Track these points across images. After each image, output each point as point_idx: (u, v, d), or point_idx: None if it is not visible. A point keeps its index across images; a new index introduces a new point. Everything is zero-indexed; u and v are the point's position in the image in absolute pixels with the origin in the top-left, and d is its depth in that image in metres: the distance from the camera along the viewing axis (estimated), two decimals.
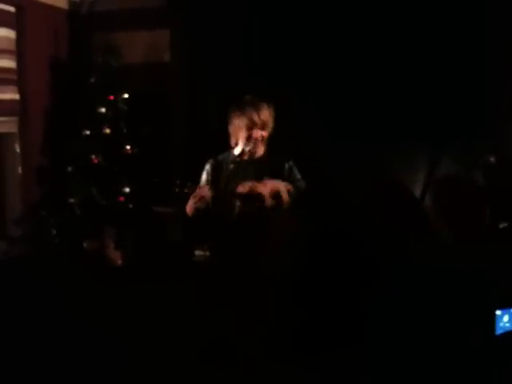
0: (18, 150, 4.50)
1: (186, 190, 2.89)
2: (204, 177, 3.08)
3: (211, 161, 3.10)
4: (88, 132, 4.42)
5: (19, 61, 4.41)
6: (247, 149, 2.97)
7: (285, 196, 2.88)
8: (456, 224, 2.39)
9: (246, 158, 3.02)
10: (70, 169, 4.42)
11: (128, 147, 4.42)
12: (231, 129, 3.06)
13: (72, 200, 4.35)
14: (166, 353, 2.91)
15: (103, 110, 4.39)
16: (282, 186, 2.90)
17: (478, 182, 3.36)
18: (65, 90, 4.78)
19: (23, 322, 3.05)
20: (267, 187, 2.90)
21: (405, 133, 4.02)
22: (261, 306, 2.69)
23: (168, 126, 4.77)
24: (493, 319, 1.84)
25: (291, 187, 2.92)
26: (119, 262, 4.28)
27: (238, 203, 2.90)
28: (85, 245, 4.25)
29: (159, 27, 4.80)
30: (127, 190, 4.39)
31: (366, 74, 4.08)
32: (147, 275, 3.83)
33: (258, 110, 2.98)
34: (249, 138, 2.97)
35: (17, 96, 4.41)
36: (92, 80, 4.48)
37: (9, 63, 4.31)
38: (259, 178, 2.95)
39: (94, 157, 4.36)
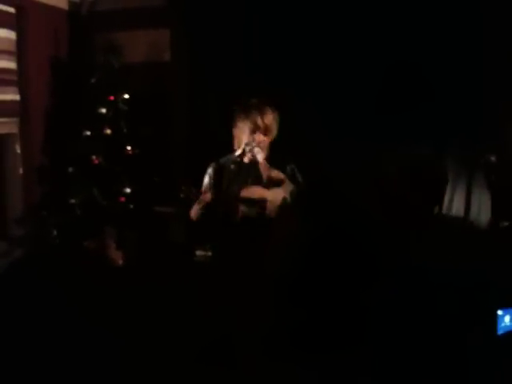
0: (18, 151, 4.50)
1: (190, 196, 2.90)
2: (207, 180, 3.09)
3: (213, 164, 3.10)
4: (89, 133, 4.41)
5: (20, 61, 4.41)
6: (248, 150, 2.97)
7: (285, 199, 2.89)
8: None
9: (247, 160, 3.02)
10: (70, 169, 4.42)
11: (129, 147, 4.42)
12: (235, 131, 3.06)
13: (73, 200, 4.35)
14: (166, 352, 2.91)
15: (104, 110, 4.39)
16: (283, 191, 2.92)
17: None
18: (65, 90, 4.78)
19: (24, 322, 3.05)
20: (270, 191, 2.92)
21: (404, 133, 4.02)
22: (261, 306, 2.70)
23: (168, 125, 4.77)
24: (494, 319, 1.84)
25: (292, 190, 2.93)
26: (120, 262, 4.28)
27: (240, 206, 2.91)
28: (85, 245, 4.26)
29: (159, 27, 4.80)
30: (128, 190, 4.39)
31: (366, 75, 4.09)
32: (148, 275, 3.83)
33: (262, 113, 2.98)
34: (251, 142, 2.97)
35: (17, 97, 4.41)
36: (92, 80, 4.48)
37: (9, 64, 4.30)
38: (261, 181, 2.96)
39: (94, 157, 4.36)
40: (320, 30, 4.22)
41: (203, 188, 3.08)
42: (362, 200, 3.51)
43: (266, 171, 2.95)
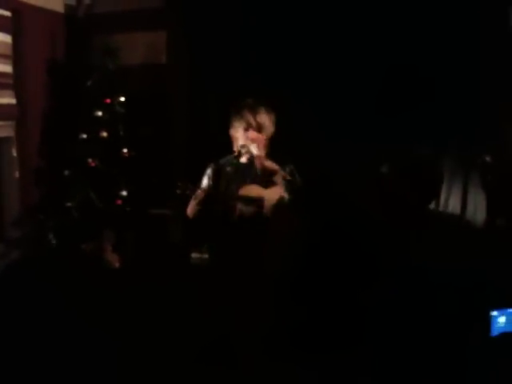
0: (15, 154, 4.50)
1: (187, 192, 2.90)
2: (205, 180, 3.09)
3: (212, 165, 3.10)
4: (85, 135, 4.42)
5: (16, 65, 4.41)
6: (244, 150, 2.98)
7: (283, 198, 2.90)
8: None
9: (245, 160, 3.02)
10: (67, 172, 4.42)
11: (125, 150, 4.42)
12: (232, 132, 3.07)
13: (70, 203, 4.35)
14: (165, 353, 2.91)
15: (100, 113, 4.39)
16: (280, 190, 2.92)
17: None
18: (61, 93, 4.78)
19: (22, 324, 3.05)
20: (267, 190, 2.92)
21: (402, 133, 4.02)
22: (260, 306, 2.70)
23: (165, 127, 4.77)
24: (488, 320, 1.83)
25: (290, 189, 2.93)
26: (117, 264, 4.28)
27: (238, 205, 2.91)
28: (82, 247, 4.26)
29: (156, 29, 4.81)
30: (124, 193, 4.40)
31: (364, 76, 4.09)
32: (145, 277, 3.83)
33: (254, 112, 2.99)
34: (245, 140, 2.98)
35: (13, 100, 4.41)
36: (88, 83, 4.48)
37: (5, 68, 4.30)
38: (259, 180, 2.97)
39: (91, 160, 4.36)
40: (317, 31, 4.22)
41: (201, 187, 3.08)
42: (359, 199, 3.52)
43: (260, 163, 2.95)
